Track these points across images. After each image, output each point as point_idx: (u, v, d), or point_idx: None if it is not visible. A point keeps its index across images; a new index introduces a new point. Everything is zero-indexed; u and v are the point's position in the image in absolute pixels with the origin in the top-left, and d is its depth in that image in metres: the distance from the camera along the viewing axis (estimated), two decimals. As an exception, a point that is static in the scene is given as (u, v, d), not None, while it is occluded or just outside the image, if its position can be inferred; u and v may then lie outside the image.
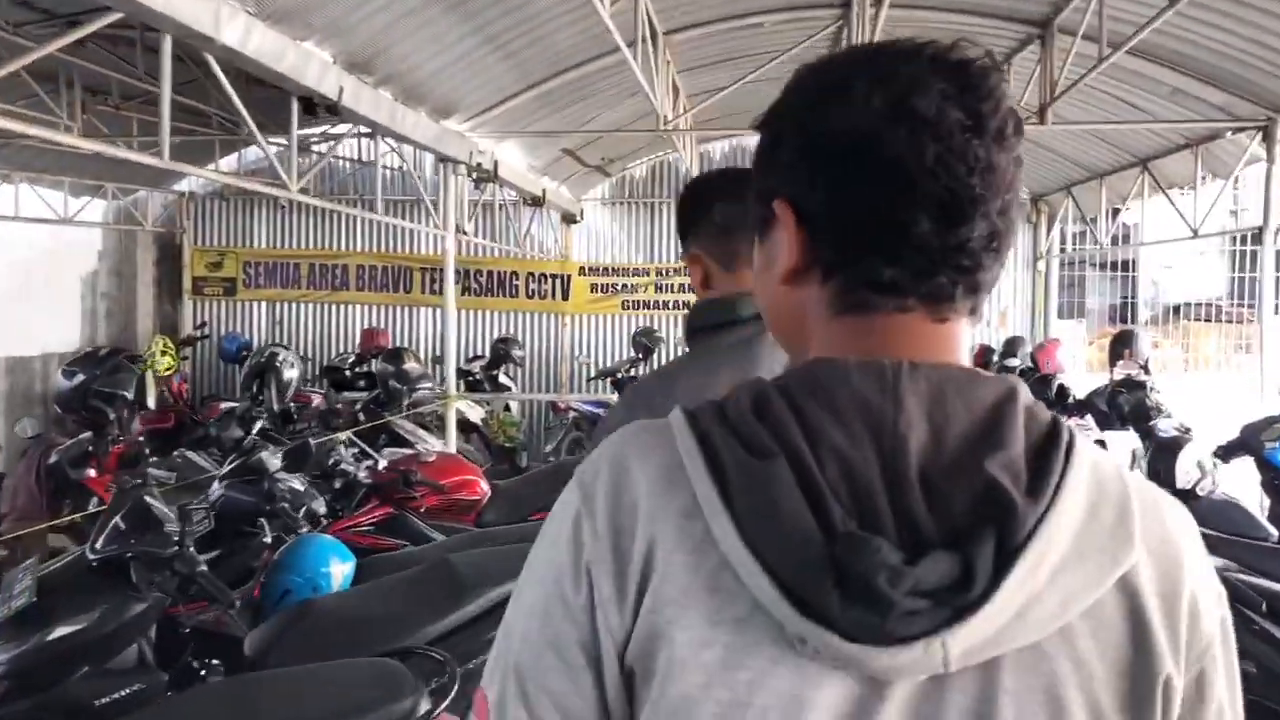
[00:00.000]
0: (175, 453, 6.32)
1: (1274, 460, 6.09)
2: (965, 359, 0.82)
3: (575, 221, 12.95)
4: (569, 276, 12.90)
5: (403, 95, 6.60)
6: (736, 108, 9.28)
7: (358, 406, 7.68)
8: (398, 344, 12.80)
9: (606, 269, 12.89)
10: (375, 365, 8.07)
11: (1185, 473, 5.34)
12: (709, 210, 1.70)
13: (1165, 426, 7.47)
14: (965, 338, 0.83)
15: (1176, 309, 19.37)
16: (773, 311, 0.90)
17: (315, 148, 11.88)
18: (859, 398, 0.75)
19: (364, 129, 6.69)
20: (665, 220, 12.94)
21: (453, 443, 7.69)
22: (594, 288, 12.90)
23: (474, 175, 8.15)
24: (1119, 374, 8.39)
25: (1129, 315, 20.77)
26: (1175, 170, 9.38)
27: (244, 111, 5.11)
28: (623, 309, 12.84)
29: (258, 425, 6.27)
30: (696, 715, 0.73)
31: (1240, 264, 19.72)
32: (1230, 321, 17.47)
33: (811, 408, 0.76)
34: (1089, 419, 8.91)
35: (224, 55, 4.49)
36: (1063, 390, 8.84)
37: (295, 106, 5.51)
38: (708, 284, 1.71)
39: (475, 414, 11.09)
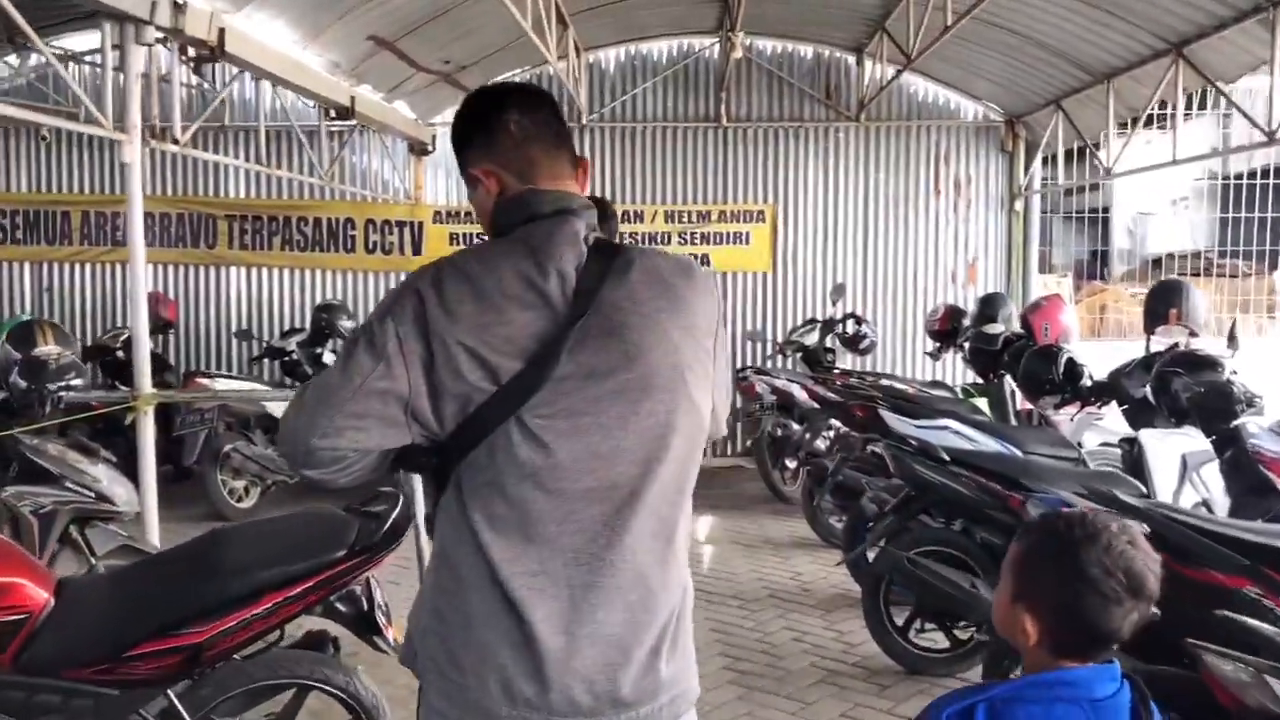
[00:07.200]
0: None
1: None
2: None
3: (427, 153, 10.06)
4: (420, 224, 10.05)
5: None
6: None
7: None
8: (189, 313, 9.91)
9: (470, 214, 9.97)
10: None
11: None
12: (504, 124, 1.80)
13: (1258, 430, 4.89)
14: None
15: (1158, 261, 16.82)
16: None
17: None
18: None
19: None
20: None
21: (149, 470, 4.85)
22: (454, 238, 10.05)
23: (187, 53, 5.28)
24: (1160, 343, 5.79)
25: (1103, 270, 18.33)
26: (1218, 61, 6.71)
27: None
28: (493, 265, 9.98)
29: None
30: None
31: (1225, 204, 17.30)
32: (1225, 276, 14.91)
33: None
34: (1110, 408, 6.29)
35: None
36: (1073, 367, 6.19)
37: None
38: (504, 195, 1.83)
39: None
